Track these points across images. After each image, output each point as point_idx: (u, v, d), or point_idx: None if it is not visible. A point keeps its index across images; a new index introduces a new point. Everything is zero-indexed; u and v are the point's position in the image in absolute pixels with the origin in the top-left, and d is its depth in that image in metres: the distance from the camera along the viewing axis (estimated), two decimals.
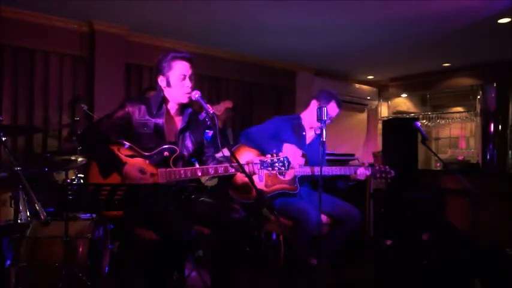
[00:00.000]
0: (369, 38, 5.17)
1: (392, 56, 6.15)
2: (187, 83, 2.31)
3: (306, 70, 6.80)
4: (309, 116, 3.06)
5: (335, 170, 2.89)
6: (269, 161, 2.30)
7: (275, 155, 2.31)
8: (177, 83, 2.31)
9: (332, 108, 2.96)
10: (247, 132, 2.97)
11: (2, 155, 3.96)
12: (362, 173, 2.89)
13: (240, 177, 2.75)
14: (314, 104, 3.01)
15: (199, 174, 2.28)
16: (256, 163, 2.30)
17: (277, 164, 2.30)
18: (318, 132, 3.10)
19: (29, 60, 4.47)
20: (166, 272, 2.17)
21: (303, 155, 2.92)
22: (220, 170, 2.28)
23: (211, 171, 2.28)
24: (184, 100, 2.35)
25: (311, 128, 3.08)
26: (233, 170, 2.27)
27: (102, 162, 2.25)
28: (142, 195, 1.91)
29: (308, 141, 3.07)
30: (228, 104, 3.87)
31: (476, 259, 3.04)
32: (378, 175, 2.92)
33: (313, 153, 2.99)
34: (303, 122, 3.07)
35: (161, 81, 2.34)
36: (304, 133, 3.05)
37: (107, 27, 4.76)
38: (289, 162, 2.31)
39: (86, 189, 1.93)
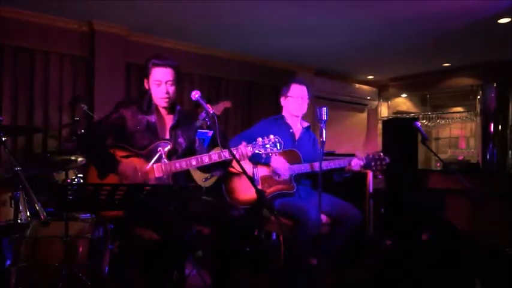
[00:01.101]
0: (369, 38, 5.17)
1: (392, 56, 6.15)
2: (163, 89, 2.35)
3: (306, 70, 6.80)
4: (287, 112, 3.11)
5: (329, 164, 2.90)
6: (260, 143, 2.32)
7: (266, 137, 2.32)
8: (153, 88, 2.38)
9: (296, 89, 3.03)
10: (234, 141, 2.98)
11: (2, 155, 3.96)
12: (356, 163, 2.88)
13: (238, 183, 2.77)
14: (282, 100, 3.11)
15: (194, 163, 2.30)
16: (247, 145, 2.31)
17: (268, 145, 2.31)
18: (305, 125, 3.14)
19: (29, 60, 4.47)
20: (166, 272, 2.17)
21: (294, 153, 2.93)
22: (214, 157, 2.30)
23: (206, 159, 2.30)
24: (162, 104, 2.40)
25: (296, 117, 3.10)
26: (227, 155, 2.27)
27: (99, 163, 2.27)
28: (143, 195, 1.91)
29: (297, 136, 3.10)
30: (227, 104, 3.87)
31: (476, 259, 3.04)
32: (372, 163, 2.89)
33: (305, 148, 3.04)
34: (286, 120, 3.11)
35: (146, 83, 2.43)
36: (291, 130, 3.09)
37: (107, 27, 4.76)
38: (281, 143, 2.32)
39: (85, 189, 1.93)
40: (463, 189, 3.06)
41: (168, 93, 2.35)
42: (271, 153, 2.34)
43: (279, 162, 2.87)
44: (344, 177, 3.02)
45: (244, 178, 2.73)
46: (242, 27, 4.86)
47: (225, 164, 2.44)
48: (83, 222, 2.78)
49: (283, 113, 3.14)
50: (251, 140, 2.93)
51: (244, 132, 3.08)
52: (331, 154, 4.18)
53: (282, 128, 3.07)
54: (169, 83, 2.36)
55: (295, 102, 3.03)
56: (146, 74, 2.40)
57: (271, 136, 2.33)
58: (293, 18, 4.55)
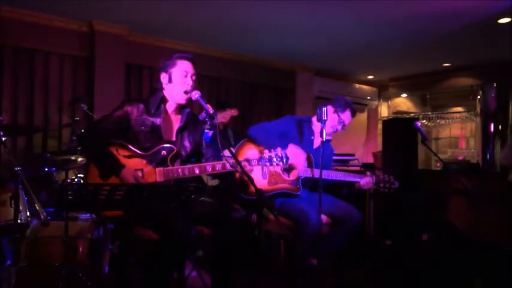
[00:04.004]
0: (369, 38, 5.17)
1: (392, 56, 6.15)
2: (188, 81, 2.34)
3: (306, 70, 6.80)
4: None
5: (340, 176, 2.88)
6: (267, 156, 2.31)
7: (273, 151, 2.32)
8: (178, 79, 2.34)
9: (347, 117, 2.98)
10: (256, 128, 2.95)
11: (2, 155, 3.96)
12: (367, 182, 2.88)
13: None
14: (330, 109, 2.91)
15: (197, 171, 2.29)
16: (254, 159, 2.32)
17: (275, 160, 2.31)
18: (329, 138, 3.05)
19: (29, 60, 4.47)
20: (166, 272, 2.17)
21: (308, 158, 2.91)
22: (218, 167, 2.29)
23: (209, 168, 2.29)
24: (182, 101, 2.37)
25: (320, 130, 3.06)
26: (230, 167, 2.27)
27: (101, 164, 2.25)
28: (143, 196, 1.91)
29: (316, 145, 3.04)
30: (234, 112, 3.88)
31: (476, 259, 3.04)
32: (381, 185, 2.89)
33: (320, 157, 2.99)
34: (313, 126, 3.05)
35: (163, 78, 2.37)
36: (312, 137, 3.03)
37: (107, 27, 4.76)
38: (287, 158, 2.32)
39: (86, 189, 1.93)
40: (463, 189, 3.06)
41: (192, 86, 2.35)
42: (276, 167, 2.33)
43: (295, 152, 2.76)
44: (353, 192, 3.01)
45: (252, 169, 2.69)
46: (242, 27, 4.86)
47: (229, 174, 2.40)
48: (83, 222, 2.78)
49: (315, 118, 3.02)
50: (272, 131, 2.91)
51: (267, 125, 2.99)
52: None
53: (305, 131, 3.02)
54: (193, 77, 2.37)
55: (336, 124, 2.96)
56: (167, 67, 2.35)
57: (278, 149, 2.33)
58: (293, 18, 4.55)
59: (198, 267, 2.73)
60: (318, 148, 3.03)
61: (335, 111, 2.96)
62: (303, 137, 3.00)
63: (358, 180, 2.90)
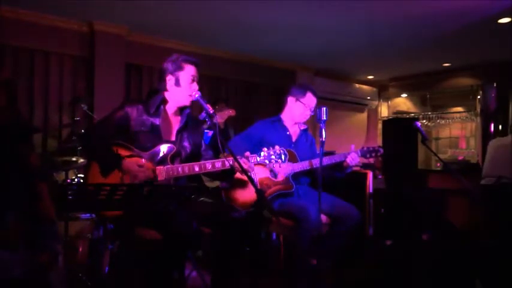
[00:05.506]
0: (369, 38, 5.17)
1: (392, 56, 6.15)
2: (195, 86, 2.38)
3: (306, 70, 6.80)
4: (289, 114, 3.08)
5: (326, 161, 2.90)
6: (266, 154, 2.33)
7: (271, 148, 2.33)
8: (186, 84, 2.36)
9: (310, 99, 3.02)
10: (233, 142, 2.98)
11: None
12: (353, 157, 2.89)
13: (237, 186, 2.77)
14: (291, 100, 3.05)
15: (197, 169, 2.30)
16: (253, 155, 2.33)
17: (273, 157, 2.33)
18: (302, 127, 3.13)
19: (29, 60, 4.47)
20: (166, 272, 2.17)
21: (291, 153, 2.93)
22: (218, 164, 2.31)
23: (209, 166, 2.30)
24: (186, 103, 2.40)
25: (295, 124, 3.10)
26: (230, 162, 2.28)
27: (103, 161, 2.26)
28: (143, 195, 1.91)
29: (294, 138, 3.09)
30: (231, 112, 3.89)
31: (476, 259, 3.04)
32: (367, 155, 2.94)
33: (302, 149, 3.04)
34: (284, 122, 3.09)
35: (169, 80, 2.38)
36: (288, 132, 3.07)
37: (107, 27, 4.76)
38: (285, 154, 2.35)
39: (86, 189, 1.93)
40: (463, 189, 3.06)
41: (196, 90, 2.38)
42: (275, 164, 2.36)
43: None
44: (346, 172, 3.03)
45: (242, 181, 2.73)
46: (242, 27, 4.86)
47: (229, 173, 2.42)
48: (83, 222, 2.78)
49: (283, 114, 3.11)
50: (248, 142, 2.93)
51: (241, 134, 3.06)
52: (331, 154, 4.17)
53: (279, 130, 3.06)
54: (197, 81, 2.40)
55: (303, 111, 3.00)
56: (173, 69, 2.37)
57: (277, 147, 2.35)
58: (293, 18, 4.55)
59: (198, 267, 2.74)
60: (297, 141, 3.09)
61: (297, 100, 3.02)
62: (279, 135, 3.03)
63: (343, 159, 2.92)
